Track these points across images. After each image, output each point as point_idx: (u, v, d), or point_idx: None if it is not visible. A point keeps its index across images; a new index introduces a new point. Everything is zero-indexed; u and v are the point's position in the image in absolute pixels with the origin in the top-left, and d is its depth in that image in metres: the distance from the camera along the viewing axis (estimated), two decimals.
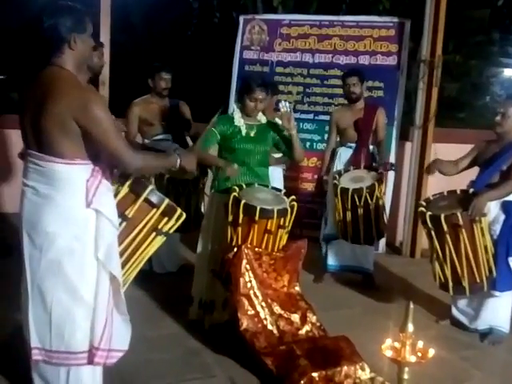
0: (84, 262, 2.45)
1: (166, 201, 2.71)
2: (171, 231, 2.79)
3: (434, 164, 4.05)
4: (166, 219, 2.72)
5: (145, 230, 2.69)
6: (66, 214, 2.41)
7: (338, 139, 4.92)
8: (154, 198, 2.68)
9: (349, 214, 4.47)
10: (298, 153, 3.78)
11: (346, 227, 4.54)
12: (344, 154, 4.81)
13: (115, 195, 2.61)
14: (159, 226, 2.73)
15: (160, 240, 2.78)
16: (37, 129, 2.39)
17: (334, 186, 4.55)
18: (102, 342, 2.50)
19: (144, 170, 2.64)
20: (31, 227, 2.45)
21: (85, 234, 2.44)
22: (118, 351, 2.61)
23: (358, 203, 4.41)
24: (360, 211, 4.43)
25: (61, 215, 2.41)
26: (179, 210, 2.75)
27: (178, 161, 2.67)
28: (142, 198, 2.65)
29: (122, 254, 2.66)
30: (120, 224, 2.61)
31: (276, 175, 4.72)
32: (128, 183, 2.64)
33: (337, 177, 4.58)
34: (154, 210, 2.68)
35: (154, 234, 2.73)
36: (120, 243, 2.63)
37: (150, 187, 2.68)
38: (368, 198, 4.39)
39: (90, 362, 2.52)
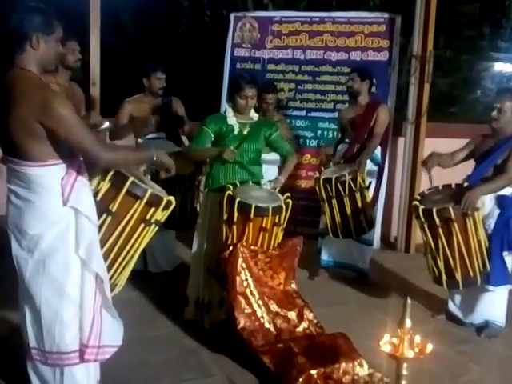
0: (68, 260, 2.46)
1: (150, 191, 2.68)
2: (163, 220, 2.77)
3: (432, 158, 3.92)
4: (153, 209, 2.70)
5: (132, 223, 2.67)
6: (46, 215, 2.42)
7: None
8: (136, 190, 2.66)
9: (325, 205, 4.46)
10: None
11: (327, 220, 4.52)
12: (342, 150, 4.81)
13: (98, 191, 2.61)
14: (147, 217, 2.70)
15: (152, 231, 2.75)
16: (5, 134, 2.37)
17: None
18: (91, 339, 2.52)
19: (116, 165, 2.62)
20: (17, 230, 2.47)
21: (66, 232, 2.45)
22: (111, 347, 2.63)
23: (330, 193, 4.39)
24: (334, 202, 4.40)
25: (41, 217, 2.42)
26: (166, 198, 2.72)
27: (154, 153, 2.67)
28: (124, 191, 2.63)
29: (111, 249, 2.65)
30: (105, 219, 2.61)
31: (271, 173, 4.70)
32: (109, 177, 2.63)
33: (322, 169, 4.61)
34: (138, 201, 2.66)
35: (142, 225, 2.70)
36: (107, 238, 2.63)
37: (131, 179, 2.65)
38: (340, 189, 4.33)
39: (82, 360, 2.53)
